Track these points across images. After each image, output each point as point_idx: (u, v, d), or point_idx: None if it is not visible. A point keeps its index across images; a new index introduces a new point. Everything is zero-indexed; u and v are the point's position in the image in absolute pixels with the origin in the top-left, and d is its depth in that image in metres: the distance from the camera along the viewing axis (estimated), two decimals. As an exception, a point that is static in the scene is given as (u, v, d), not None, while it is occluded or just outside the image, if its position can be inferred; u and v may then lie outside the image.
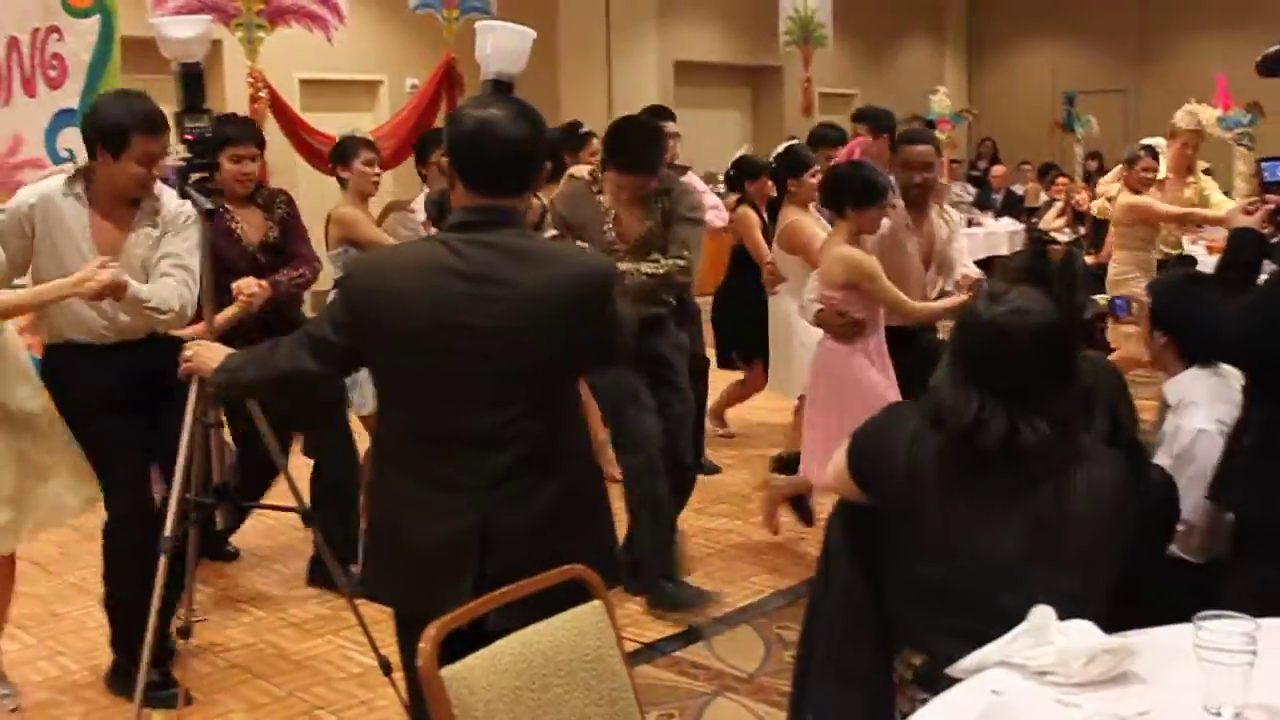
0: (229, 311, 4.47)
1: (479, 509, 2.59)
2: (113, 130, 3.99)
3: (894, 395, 4.83)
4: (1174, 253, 8.12)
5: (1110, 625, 2.29)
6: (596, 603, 2.40)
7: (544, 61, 14.45)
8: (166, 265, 4.11)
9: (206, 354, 3.02)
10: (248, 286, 4.53)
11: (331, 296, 2.65)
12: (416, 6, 11.85)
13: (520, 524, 2.60)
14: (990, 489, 2.46)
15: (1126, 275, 7.42)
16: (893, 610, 2.62)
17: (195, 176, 3.88)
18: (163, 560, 3.70)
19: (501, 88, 3.51)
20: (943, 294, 5.31)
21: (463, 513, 2.58)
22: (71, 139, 10.11)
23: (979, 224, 12.94)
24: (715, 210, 6.98)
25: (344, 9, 11.01)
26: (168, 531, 3.70)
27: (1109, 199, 7.92)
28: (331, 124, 10.53)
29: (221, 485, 3.88)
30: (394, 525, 2.67)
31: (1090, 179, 12.71)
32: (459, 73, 11.02)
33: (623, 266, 4.53)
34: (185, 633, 3.89)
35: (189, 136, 3.88)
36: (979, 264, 7.16)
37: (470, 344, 2.56)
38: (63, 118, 10.09)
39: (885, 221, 5.06)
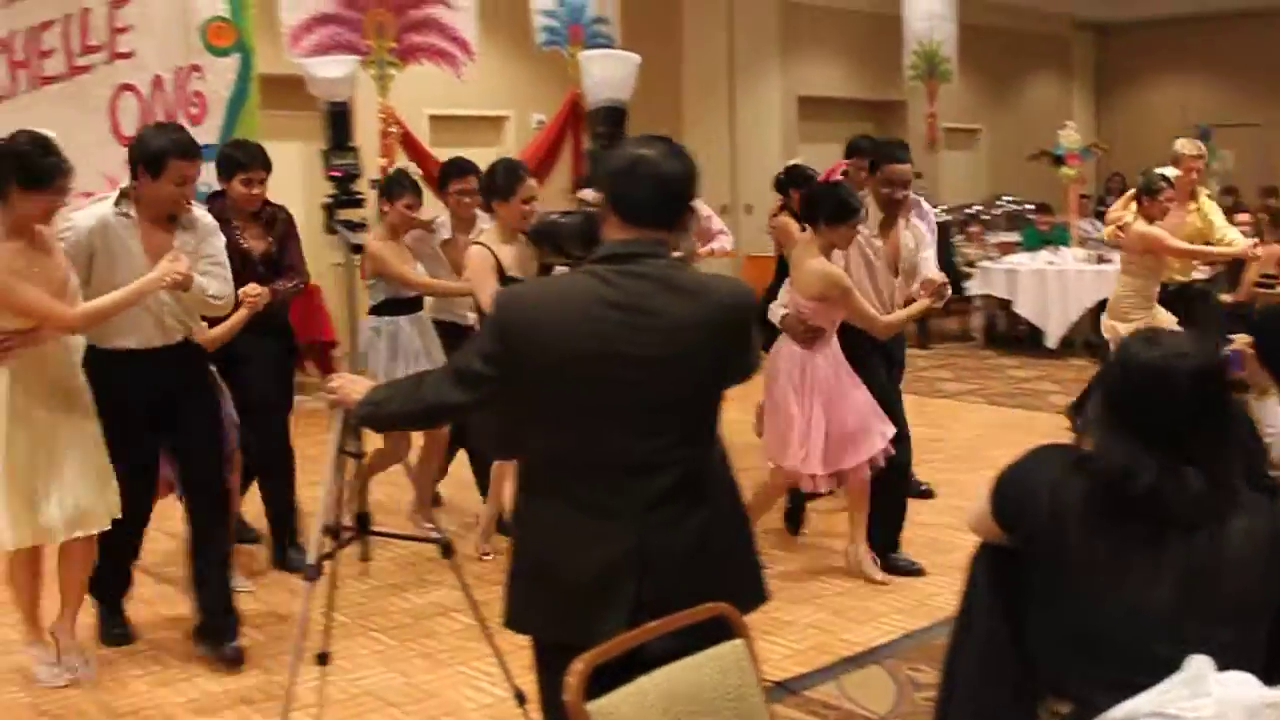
0: (239, 314, 5.19)
1: (635, 534, 2.59)
2: (153, 155, 4.57)
3: (856, 382, 5.62)
4: (1181, 279, 8.19)
5: (1266, 678, 2.23)
6: (738, 641, 2.40)
7: (667, 96, 14.54)
8: (207, 264, 4.69)
9: (350, 387, 3.08)
10: (253, 291, 5.22)
11: (479, 328, 2.66)
12: (543, 44, 12.02)
13: (675, 549, 2.61)
14: (1140, 536, 2.41)
15: (1127, 302, 7.62)
16: (1036, 655, 2.57)
17: (343, 214, 3.98)
18: (306, 586, 3.77)
19: (614, 115, 3.55)
20: (909, 300, 5.85)
21: (619, 539, 2.59)
22: (209, 173, 10.45)
23: (1108, 260, 12.69)
24: (723, 235, 7.29)
25: (474, 46, 11.22)
26: (311, 559, 3.79)
27: (1120, 226, 7.93)
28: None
29: (362, 514, 3.96)
30: (546, 554, 2.67)
31: (1228, 215, 12.39)
32: (583, 108, 11.12)
33: None
34: (324, 659, 3.96)
35: (336, 173, 4.09)
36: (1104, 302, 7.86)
37: (625, 372, 2.58)
38: (203, 153, 10.45)
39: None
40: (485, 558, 6.09)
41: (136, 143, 4.73)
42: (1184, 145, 8.34)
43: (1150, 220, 7.65)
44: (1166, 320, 7.46)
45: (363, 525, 3.95)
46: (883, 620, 5.34)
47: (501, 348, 2.65)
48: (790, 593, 5.64)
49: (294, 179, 12.10)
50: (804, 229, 5.80)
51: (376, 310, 6.34)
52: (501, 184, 5.66)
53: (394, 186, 6.32)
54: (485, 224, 6.23)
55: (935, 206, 8.23)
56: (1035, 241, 13.76)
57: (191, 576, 4.93)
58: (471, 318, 6.36)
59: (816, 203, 5.58)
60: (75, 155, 4.84)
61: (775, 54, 15.10)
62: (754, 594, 2.67)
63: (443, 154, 9.33)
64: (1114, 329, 7.53)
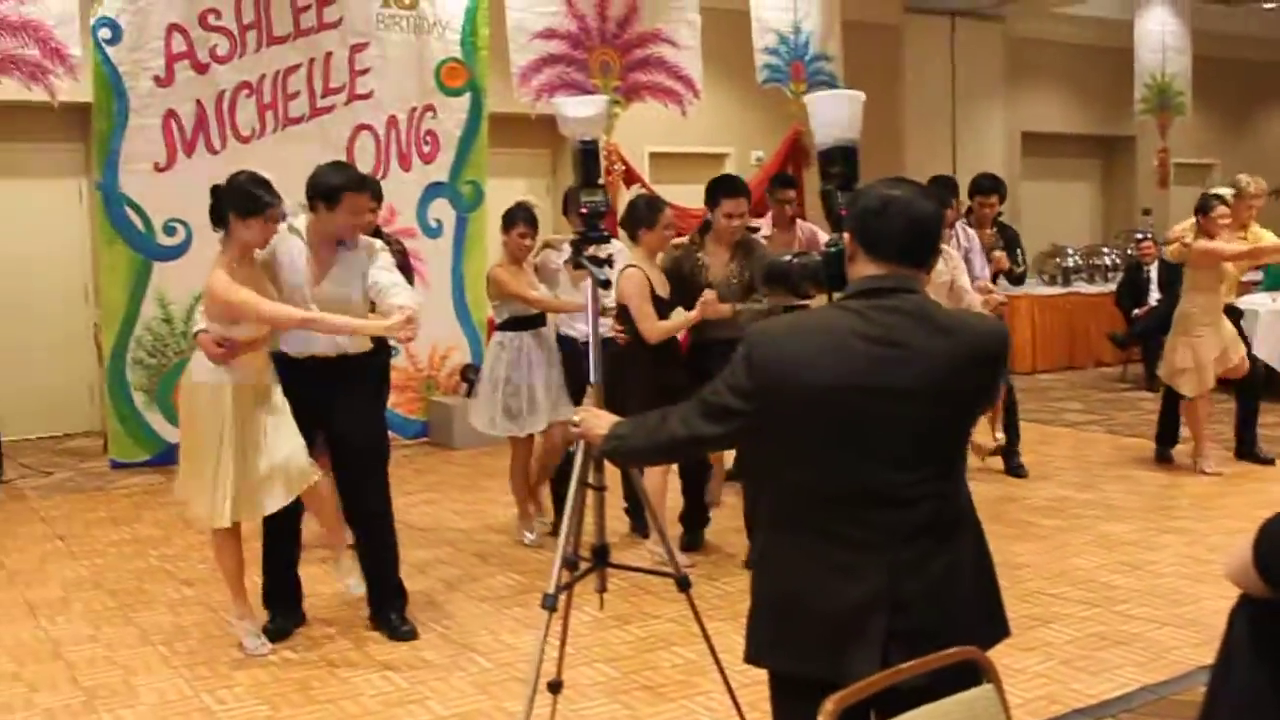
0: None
1: (886, 570, 2.56)
2: (330, 190, 5.17)
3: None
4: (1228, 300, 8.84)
5: None
6: (988, 686, 2.34)
7: (888, 132, 14.41)
8: (392, 279, 5.26)
9: (594, 421, 3.11)
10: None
11: (732, 363, 2.68)
12: (764, 81, 12.05)
13: (926, 584, 2.57)
14: None
15: (1193, 318, 8.31)
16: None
17: (590, 250, 4.06)
18: (546, 617, 3.82)
19: (846, 154, 3.54)
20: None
21: (871, 573, 2.56)
22: (440, 210, 10.81)
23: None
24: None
25: (699, 85, 11.31)
26: (550, 588, 3.86)
27: (1185, 244, 8.50)
28: (679, 195, 10.83)
29: (601, 546, 4.03)
30: (794, 587, 2.64)
31: None
32: (805, 145, 11.13)
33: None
34: (556, 688, 4.01)
35: (584, 210, 4.13)
36: None
37: (880, 406, 2.56)
38: (433, 190, 10.76)
39: None
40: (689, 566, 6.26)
41: (313, 178, 5.27)
42: (1248, 182, 8.92)
43: (1210, 237, 8.23)
44: (1231, 332, 8.37)
45: (600, 558, 4.00)
46: (1116, 672, 5.14)
47: (753, 383, 2.64)
48: (1018, 639, 5.48)
49: (518, 215, 12.38)
50: None
51: (502, 327, 6.97)
52: (644, 215, 6.35)
53: (510, 219, 6.91)
54: (619, 250, 6.75)
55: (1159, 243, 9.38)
56: (1277, 281, 13.13)
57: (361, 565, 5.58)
58: (583, 330, 6.87)
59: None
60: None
61: (999, 88, 14.84)
62: (998, 628, 2.64)
63: (663, 191, 9.47)
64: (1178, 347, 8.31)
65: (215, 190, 5.10)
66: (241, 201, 5.06)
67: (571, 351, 7.16)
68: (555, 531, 6.72)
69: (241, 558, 5.45)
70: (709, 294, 6.21)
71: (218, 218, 5.10)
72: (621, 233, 6.78)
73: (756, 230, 7.41)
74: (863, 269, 2.70)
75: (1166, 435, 9.03)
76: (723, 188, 6.60)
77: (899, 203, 2.67)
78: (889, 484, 2.57)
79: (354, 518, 5.64)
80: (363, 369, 5.54)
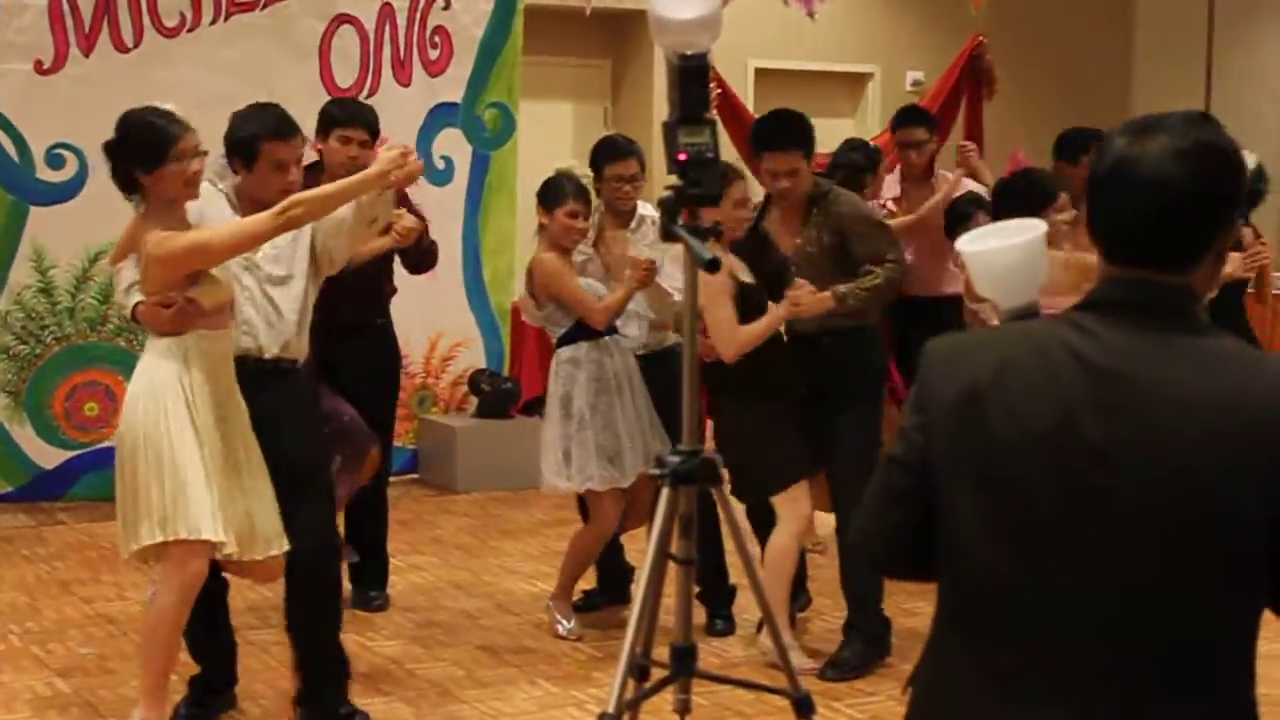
0: (379, 242, 6.61)
1: None
2: (241, 142, 5.62)
3: None
4: None
5: None
6: None
7: (1111, 63, 14.24)
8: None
9: None
10: (409, 221, 6.71)
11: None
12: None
13: None
14: None
15: None
16: None
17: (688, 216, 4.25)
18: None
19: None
20: None
21: None
22: (451, 143, 10.68)
23: None
24: None
25: (830, -28, 11.14)
26: (611, 706, 4.01)
27: None
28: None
29: (686, 647, 4.22)
30: None
31: None
32: (987, 62, 10.93)
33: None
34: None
35: (682, 156, 4.26)
36: None
37: (1084, 467, 2.46)
38: (442, 114, 10.64)
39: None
40: None
41: (228, 129, 5.71)
42: None
43: None
44: None
45: (683, 663, 3.92)
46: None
47: (923, 418, 2.62)
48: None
49: (563, 150, 12.30)
50: None
51: (567, 339, 7.02)
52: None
53: (555, 192, 6.92)
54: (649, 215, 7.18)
55: None
56: None
57: None
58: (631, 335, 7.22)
59: None
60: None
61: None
62: None
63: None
64: None
65: (109, 149, 5.34)
66: (142, 150, 5.29)
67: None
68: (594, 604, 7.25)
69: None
70: (801, 288, 6.27)
71: (124, 181, 5.34)
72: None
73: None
74: (1101, 265, 2.63)
75: None
76: (765, 135, 6.71)
77: (1131, 165, 2.53)
78: (1085, 596, 2.49)
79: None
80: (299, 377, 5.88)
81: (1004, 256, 3.50)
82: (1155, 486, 2.45)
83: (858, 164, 8.26)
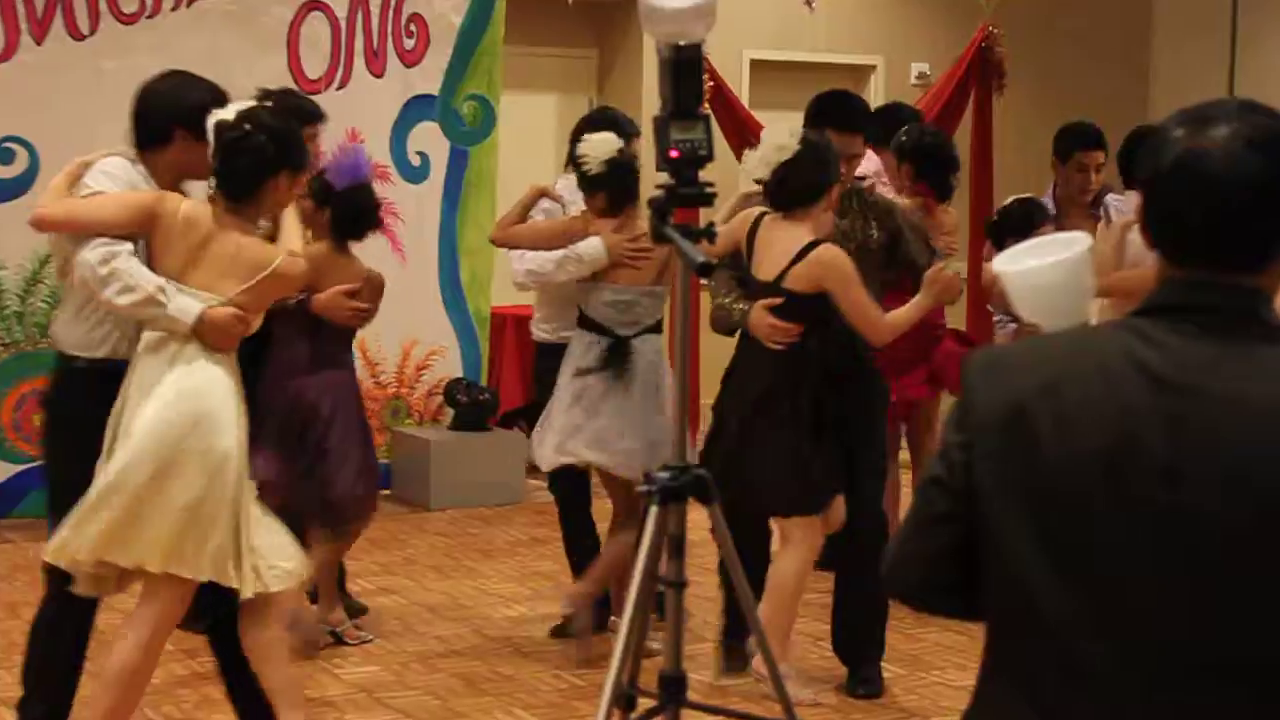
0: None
1: None
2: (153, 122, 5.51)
3: None
4: None
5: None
6: None
7: (1127, 42, 14.26)
8: None
9: None
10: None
11: None
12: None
13: None
14: None
15: None
16: None
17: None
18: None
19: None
20: None
21: None
22: (427, 139, 10.69)
23: None
24: None
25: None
26: None
27: None
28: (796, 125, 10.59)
29: (675, 676, 4.12)
30: None
31: None
32: (997, 55, 10.97)
33: None
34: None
35: (675, 153, 4.25)
36: None
37: (1152, 492, 2.42)
38: (418, 107, 10.66)
39: None
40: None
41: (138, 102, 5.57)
42: None
43: None
44: None
45: (672, 693, 3.94)
46: None
47: (965, 436, 2.58)
48: None
49: (546, 145, 12.31)
50: None
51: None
52: None
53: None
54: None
55: None
56: None
57: None
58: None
59: None
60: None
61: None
62: None
63: (768, 117, 9.31)
64: None
65: (274, 139, 5.34)
66: (300, 153, 5.55)
67: (553, 358, 7.39)
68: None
69: None
70: (940, 269, 6.38)
71: (259, 183, 5.38)
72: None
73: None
74: (1163, 268, 2.58)
75: None
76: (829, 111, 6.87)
77: (1198, 160, 2.50)
78: (1158, 647, 2.43)
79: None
80: None
81: (1046, 275, 3.46)
82: (1230, 509, 2.40)
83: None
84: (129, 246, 5.22)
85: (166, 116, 5.46)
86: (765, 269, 6.37)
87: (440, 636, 7.57)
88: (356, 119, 9.87)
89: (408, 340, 10.59)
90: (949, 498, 2.60)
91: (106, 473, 5.18)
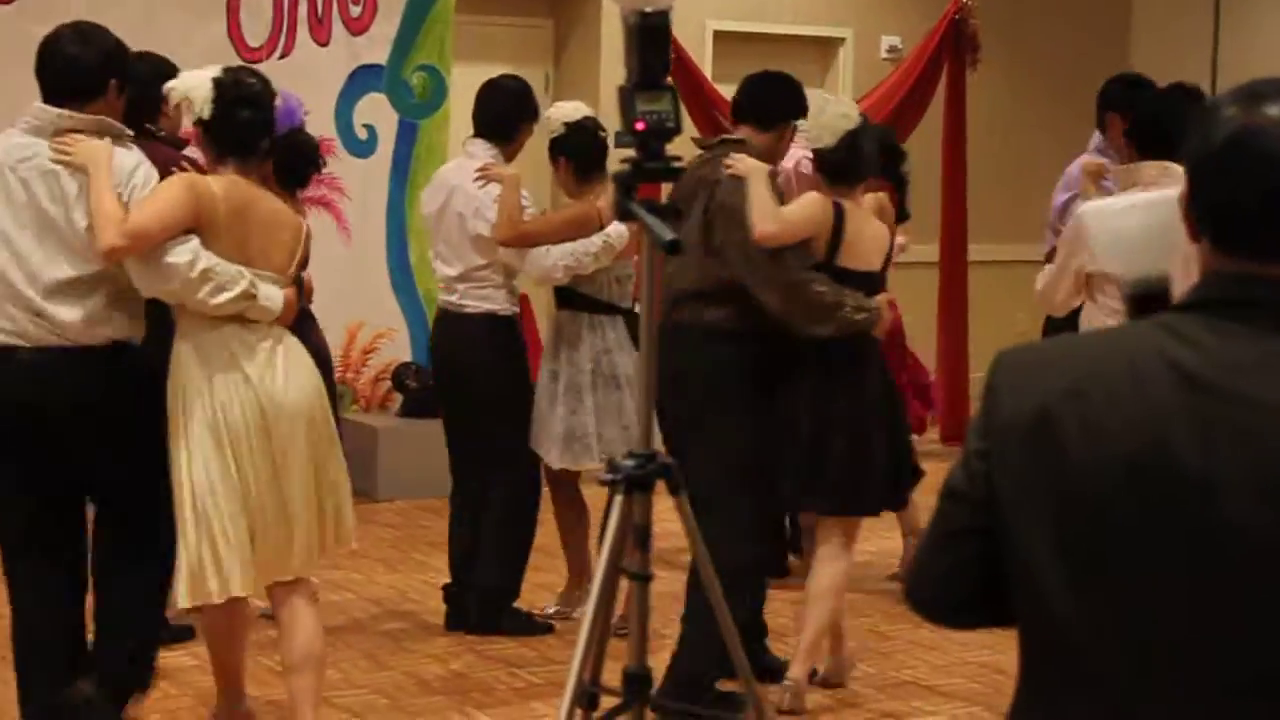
0: None
1: None
2: None
3: None
4: None
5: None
6: None
7: (1106, 17, 14.26)
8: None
9: None
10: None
11: None
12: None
13: None
14: None
15: None
16: None
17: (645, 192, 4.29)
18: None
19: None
20: None
21: None
22: (374, 111, 10.64)
23: None
24: None
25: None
26: None
27: None
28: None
29: (638, 673, 4.20)
30: None
31: None
32: (971, 28, 10.96)
33: None
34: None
35: (640, 125, 4.26)
36: None
37: (1192, 507, 2.36)
38: (364, 78, 10.65)
39: None
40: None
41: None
42: None
43: None
44: None
45: (635, 690, 3.95)
46: None
47: (987, 443, 2.53)
48: None
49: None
50: None
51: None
52: None
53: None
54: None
55: None
56: None
57: None
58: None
59: None
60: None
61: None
62: None
63: (730, 90, 9.26)
64: None
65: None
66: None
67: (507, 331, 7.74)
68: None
69: None
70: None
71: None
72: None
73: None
74: (1207, 260, 2.52)
75: None
76: None
77: (1253, 137, 2.43)
78: (1203, 673, 2.38)
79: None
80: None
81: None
82: (1266, 521, 2.35)
83: None
84: (198, 241, 5.40)
85: (103, 69, 5.61)
86: (864, 258, 6.47)
87: (388, 633, 7.60)
88: (300, 89, 9.72)
89: (354, 323, 10.62)
90: (968, 510, 2.56)
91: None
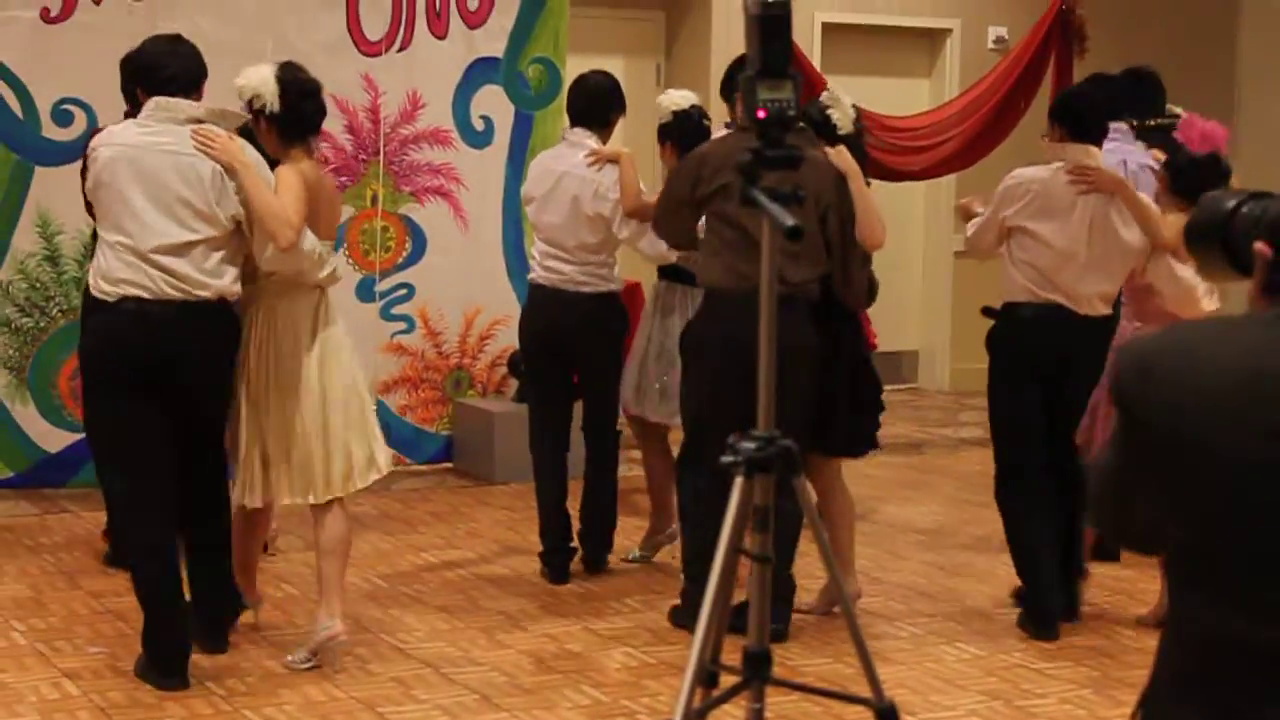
0: None
1: None
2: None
3: None
4: None
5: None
6: None
7: (1211, 19, 14.15)
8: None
9: None
10: None
11: None
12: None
13: None
14: None
15: None
16: None
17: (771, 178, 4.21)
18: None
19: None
20: None
21: None
22: (491, 103, 10.65)
23: None
24: None
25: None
26: (677, 717, 3.99)
27: None
28: (868, 90, 10.56)
29: (760, 653, 4.14)
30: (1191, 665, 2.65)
31: None
32: (1078, 18, 10.87)
33: None
34: None
35: (762, 113, 4.21)
36: None
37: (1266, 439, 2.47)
38: (481, 71, 10.62)
39: None
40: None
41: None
42: None
43: None
44: None
45: (756, 669, 3.98)
46: None
47: (1130, 434, 2.67)
48: None
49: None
50: None
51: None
52: None
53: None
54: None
55: None
56: None
57: None
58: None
59: None
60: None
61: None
62: None
63: (842, 83, 9.28)
64: None
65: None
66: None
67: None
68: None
69: None
70: None
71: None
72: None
73: None
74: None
75: None
76: None
77: None
78: None
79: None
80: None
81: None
82: None
83: None
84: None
85: (203, 67, 6.45)
86: None
87: (505, 612, 7.59)
88: (418, 82, 9.88)
89: (471, 309, 10.60)
90: (1131, 458, 2.68)
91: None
